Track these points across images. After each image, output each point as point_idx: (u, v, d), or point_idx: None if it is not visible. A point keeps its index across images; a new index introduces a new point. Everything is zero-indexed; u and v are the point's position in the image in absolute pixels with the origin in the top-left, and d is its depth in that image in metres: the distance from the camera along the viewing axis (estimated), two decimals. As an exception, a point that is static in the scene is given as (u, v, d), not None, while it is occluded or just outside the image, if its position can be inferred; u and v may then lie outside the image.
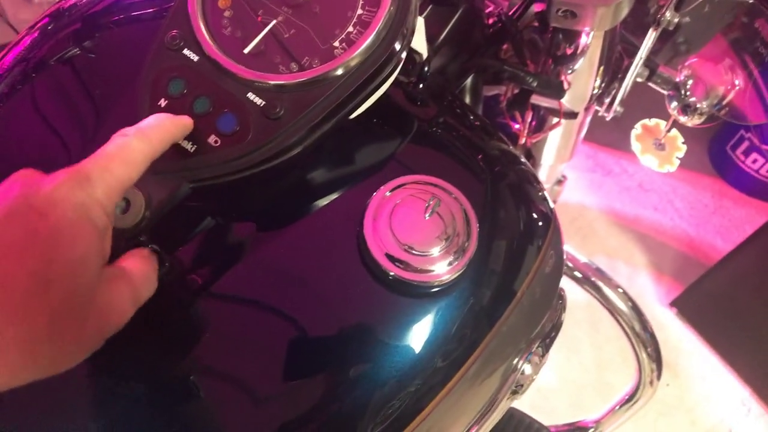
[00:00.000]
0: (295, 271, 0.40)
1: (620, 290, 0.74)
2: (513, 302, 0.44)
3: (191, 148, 0.36)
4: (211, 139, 0.36)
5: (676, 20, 0.53)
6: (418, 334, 0.40)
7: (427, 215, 0.38)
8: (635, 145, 0.77)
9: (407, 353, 0.39)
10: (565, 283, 0.72)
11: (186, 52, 0.38)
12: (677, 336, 1.53)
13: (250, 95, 0.37)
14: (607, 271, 0.75)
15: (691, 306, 1.53)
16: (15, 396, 0.27)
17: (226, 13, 0.39)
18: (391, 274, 0.38)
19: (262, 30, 0.38)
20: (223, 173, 0.37)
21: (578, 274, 0.74)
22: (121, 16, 0.53)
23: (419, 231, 0.38)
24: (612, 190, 1.80)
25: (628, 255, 1.66)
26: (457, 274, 0.39)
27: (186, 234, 0.40)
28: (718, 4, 0.55)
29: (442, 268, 0.38)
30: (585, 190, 1.79)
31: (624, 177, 1.83)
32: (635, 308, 0.75)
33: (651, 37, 0.56)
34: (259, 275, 0.40)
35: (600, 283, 0.73)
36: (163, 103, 0.37)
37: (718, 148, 1.86)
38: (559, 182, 1.12)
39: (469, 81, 0.67)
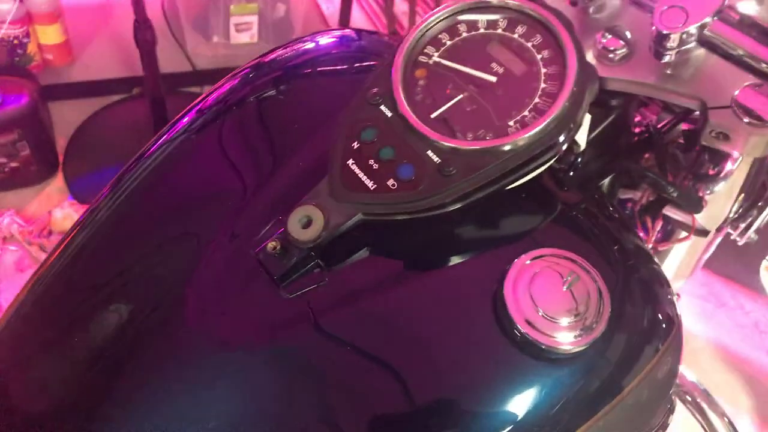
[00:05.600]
0: (427, 311, 0.45)
1: (726, 420, 0.71)
2: (617, 398, 0.45)
3: (372, 186, 0.43)
4: (390, 182, 0.43)
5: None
6: (523, 403, 0.42)
7: (564, 287, 0.42)
8: (765, 277, 0.76)
9: (505, 421, 0.42)
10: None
11: (383, 107, 0.45)
12: (774, 497, 1.40)
13: (429, 152, 0.43)
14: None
15: (796, 468, 1.40)
16: None
17: (420, 82, 0.46)
18: (522, 331, 0.41)
19: (450, 101, 0.45)
20: (393, 212, 0.43)
21: (683, 392, 0.72)
22: (315, 70, 0.61)
23: (557, 298, 0.41)
24: (724, 323, 1.71)
25: (731, 395, 1.56)
26: (579, 348, 0.42)
27: (344, 258, 0.46)
28: None
29: (567, 338, 0.41)
30: (694, 317, 1.72)
31: (738, 313, 1.74)
32: (740, 442, 0.72)
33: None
34: (396, 311, 0.45)
35: (705, 407, 0.71)
36: (355, 145, 0.44)
37: None
38: (672, 300, 1.10)
39: (606, 181, 0.70)
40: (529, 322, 0.41)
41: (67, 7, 1.88)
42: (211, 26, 1.96)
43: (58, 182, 1.71)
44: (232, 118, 0.56)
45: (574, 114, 0.43)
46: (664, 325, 0.48)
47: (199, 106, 0.58)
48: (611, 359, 0.45)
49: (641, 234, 0.78)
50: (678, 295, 1.12)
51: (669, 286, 0.50)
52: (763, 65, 0.45)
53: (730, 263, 1.49)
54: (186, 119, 0.57)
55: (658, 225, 0.75)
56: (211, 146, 0.55)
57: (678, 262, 0.87)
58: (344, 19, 1.94)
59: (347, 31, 0.68)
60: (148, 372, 0.43)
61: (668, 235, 0.80)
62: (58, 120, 1.81)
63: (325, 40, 0.64)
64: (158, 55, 1.59)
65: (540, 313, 0.41)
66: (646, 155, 0.71)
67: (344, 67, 0.61)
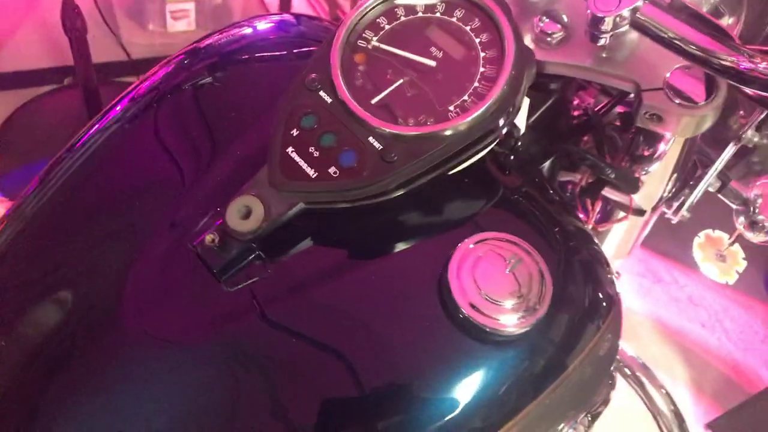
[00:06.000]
0: (372, 299, 0.45)
1: (663, 391, 0.74)
2: (561, 377, 0.46)
3: (313, 174, 0.42)
4: (332, 170, 0.42)
5: (755, 139, 0.57)
6: (469, 386, 0.43)
7: (507, 270, 0.42)
8: (696, 253, 0.79)
9: (452, 405, 0.42)
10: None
11: (321, 93, 0.44)
12: (710, 461, 1.48)
13: (371, 139, 0.42)
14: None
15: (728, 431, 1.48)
16: None
17: (360, 67, 0.45)
18: (466, 315, 0.41)
19: (390, 86, 0.44)
20: (335, 200, 0.42)
21: (623, 366, 0.75)
22: (253, 55, 0.60)
23: (500, 281, 0.42)
24: (660, 298, 1.78)
25: (668, 366, 1.63)
26: (523, 330, 0.42)
27: (287, 249, 0.45)
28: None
29: (511, 320, 0.42)
30: (632, 293, 1.78)
31: (674, 287, 1.81)
32: (677, 413, 0.75)
33: (729, 151, 0.60)
34: (340, 300, 0.44)
35: (644, 380, 0.74)
36: (295, 132, 0.43)
37: (775, 276, 1.83)
38: (613, 278, 1.13)
39: (546, 165, 0.71)
40: (473, 306, 0.41)
41: (-11, -7, 1.77)
42: (146, 13, 1.89)
43: (-15, 178, 1.63)
44: (167, 106, 0.54)
45: (512, 98, 0.43)
46: (604, 304, 0.49)
47: (132, 94, 0.56)
48: (554, 339, 0.46)
49: (581, 215, 0.80)
50: (618, 273, 1.15)
51: (609, 265, 0.51)
52: (692, 47, 0.46)
53: (665, 240, 1.55)
54: (119, 107, 0.54)
55: (598, 206, 0.77)
56: (145, 135, 0.52)
57: (617, 241, 0.90)
58: (285, 6, 1.91)
59: (286, 16, 0.67)
60: (85, 370, 0.42)
61: (607, 216, 0.82)
62: (-16, 113, 1.71)
63: (263, 25, 0.62)
64: (90, 43, 1.51)
65: (484, 296, 0.42)
66: (585, 138, 0.72)
67: (283, 52, 0.60)
